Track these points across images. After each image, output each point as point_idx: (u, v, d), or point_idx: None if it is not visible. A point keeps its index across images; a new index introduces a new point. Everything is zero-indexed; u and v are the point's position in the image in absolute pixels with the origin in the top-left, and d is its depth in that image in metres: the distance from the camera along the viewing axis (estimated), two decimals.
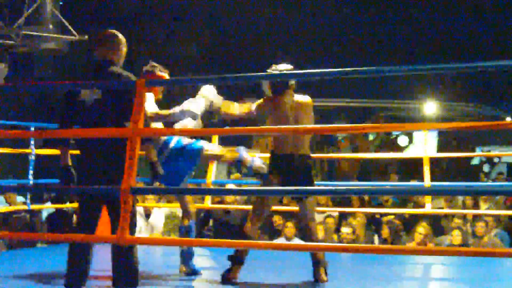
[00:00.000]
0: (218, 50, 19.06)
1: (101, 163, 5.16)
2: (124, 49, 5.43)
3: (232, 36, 18.97)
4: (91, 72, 5.32)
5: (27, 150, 8.71)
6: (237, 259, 6.53)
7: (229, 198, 10.63)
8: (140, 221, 10.32)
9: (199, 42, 18.66)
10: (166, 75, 6.71)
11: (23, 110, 16.69)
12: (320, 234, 9.64)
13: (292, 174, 6.44)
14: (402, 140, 19.25)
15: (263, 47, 18.29)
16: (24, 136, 6.63)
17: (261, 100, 6.60)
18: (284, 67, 6.52)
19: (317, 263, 6.55)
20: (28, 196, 9.21)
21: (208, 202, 9.67)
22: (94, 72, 5.29)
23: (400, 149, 19.04)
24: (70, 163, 5.24)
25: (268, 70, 6.50)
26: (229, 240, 6.88)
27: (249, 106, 6.70)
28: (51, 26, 12.62)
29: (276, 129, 5.86)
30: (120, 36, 5.40)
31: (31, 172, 8.84)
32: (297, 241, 9.71)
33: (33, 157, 8.82)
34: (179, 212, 10.48)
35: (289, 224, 9.83)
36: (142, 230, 10.34)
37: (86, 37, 12.75)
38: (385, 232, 10.25)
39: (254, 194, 6.82)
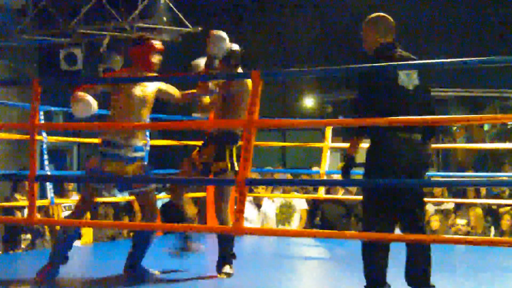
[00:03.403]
0: (330, 42, 18.95)
1: (413, 151, 4.87)
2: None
3: (344, 27, 18.82)
4: (376, 55, 5.03)
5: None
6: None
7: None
8: (251, 211, 10.37)
9: (311, 33, 18.57)
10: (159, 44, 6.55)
11: None
12: (436, 224, 9.54)
13: None
14: None
15: None
16: (138, 128, 6.60)
17: None
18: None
19: None
20: None
21: (322, 193, 9.62)
22: (378, 56, 4.99)
23: None
24: (355, 154, 4.93)
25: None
26: (325, 231, 6.82)
27: None
28: (164, 18, 12.81)
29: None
30: (391, 19, 5.16)
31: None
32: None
33: (148, 148, 8.94)
34: (293, 202, 10.50)
35: None
36: (253, 220, 10.38)
37: (200, 28, 12.87)
38: (505, 223, 9.97)
39: (362, 185, 6.58)
